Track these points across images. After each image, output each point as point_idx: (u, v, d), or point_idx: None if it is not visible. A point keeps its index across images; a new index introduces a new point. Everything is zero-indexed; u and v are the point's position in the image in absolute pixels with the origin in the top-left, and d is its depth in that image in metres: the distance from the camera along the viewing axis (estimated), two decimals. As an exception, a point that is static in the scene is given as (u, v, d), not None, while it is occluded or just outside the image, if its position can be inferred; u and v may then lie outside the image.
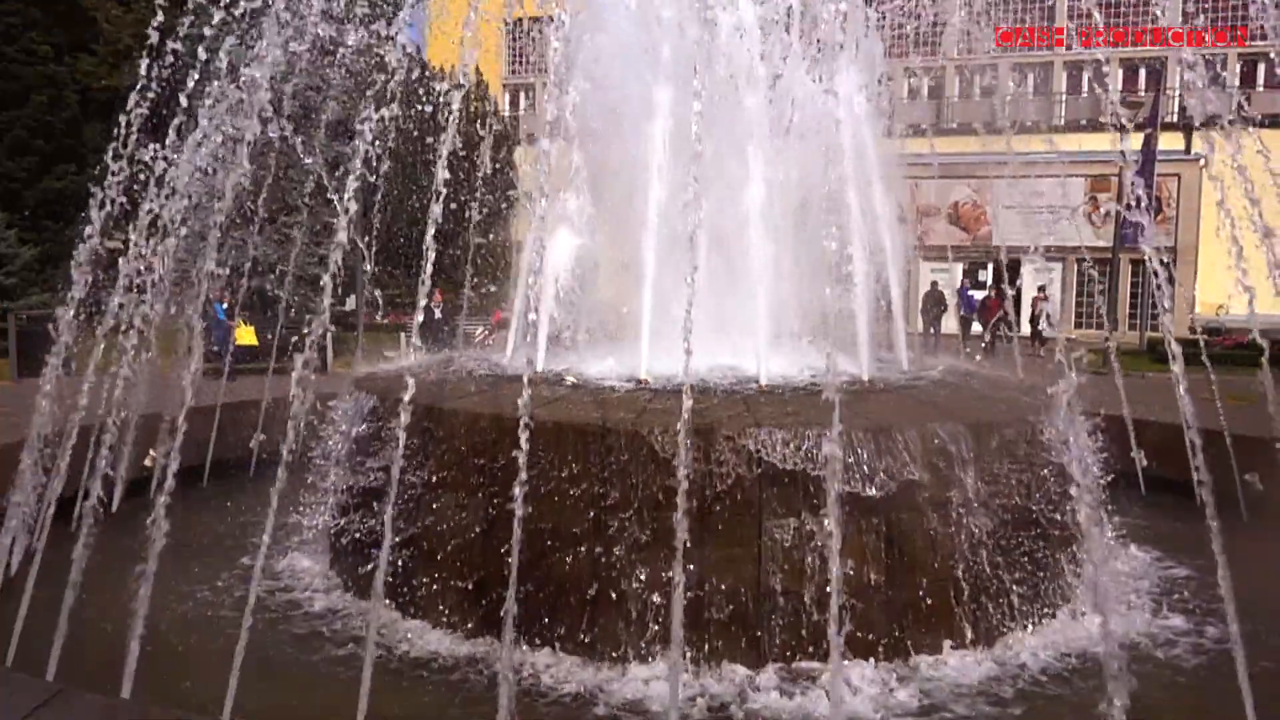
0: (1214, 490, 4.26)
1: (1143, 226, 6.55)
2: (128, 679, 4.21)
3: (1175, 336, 4.92)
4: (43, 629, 4.75)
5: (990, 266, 35.11)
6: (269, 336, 16.16)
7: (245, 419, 9.71)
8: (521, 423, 3.97)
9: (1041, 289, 29.51)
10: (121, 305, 5.97)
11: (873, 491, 5.11)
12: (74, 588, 4.71)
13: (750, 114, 6.79)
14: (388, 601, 5.65)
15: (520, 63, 44.71)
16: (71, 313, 5.92)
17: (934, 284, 29.72)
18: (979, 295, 30.69)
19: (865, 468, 5.12)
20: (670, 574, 4.00)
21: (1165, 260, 5.27)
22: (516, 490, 3.98)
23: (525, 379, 4.13)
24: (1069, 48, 40.63)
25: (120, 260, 5.97)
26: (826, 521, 4.46)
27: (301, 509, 7.09)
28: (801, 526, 5.00)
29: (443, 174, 4.64)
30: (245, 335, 19.08)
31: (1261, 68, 41.65)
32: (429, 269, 4.45)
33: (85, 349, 6.23)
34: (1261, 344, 5.16)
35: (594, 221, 7.41)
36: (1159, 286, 5.35)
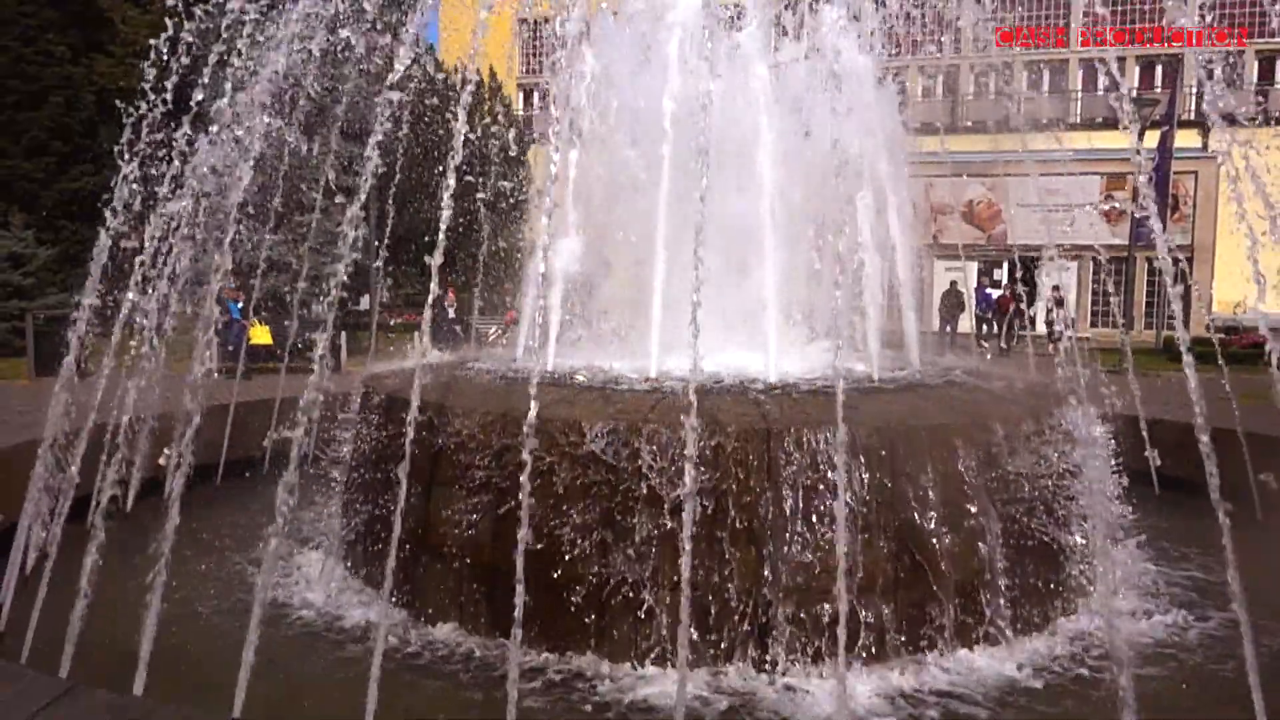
0: (1228, 489, 4.23)
1: (1153, 228, 6.48)
2: (139, 676, 4.25)
3: (1195, 335, 4.88)
4: (57, 627, 4.79)
5: (1005, 265, 35.05)
6: (284, 335, 16.24)
7: (259, 418, 9.76)
8: (529, 422, 3.98)
9: (1056, 288, 29.38)
10: (136, 304, 6.02)
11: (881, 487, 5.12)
12: (87, 586, 4.75)
13: (759, 110, 6.79)
14: (396, 599, 5.68)
15: (535, 61, 44.81)
16: (87, 312, 5.97)
17: (953, 283, 29.67)
18: (996, 294, 30.61)
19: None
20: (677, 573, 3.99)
21: (1178, 259, 5.21)
22: (523, 489, 3.98)
23: (533, 379, 4.15)
24: (1073, 45, 40.54)
25: (136, 259, 6.01)
26: (834, 519, 4.45)
27: (313, 507, 7.12)
28: (808, 524, 4.99)
29: (452, 173, 4.65)
30: (260, 334, 19.20)
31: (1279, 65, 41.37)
32: (437, 267, 4.47)
33: (101, 348, 6.27)
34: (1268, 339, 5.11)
35: (604, 220, 7.40)
36: (1173, 286, 5.30)
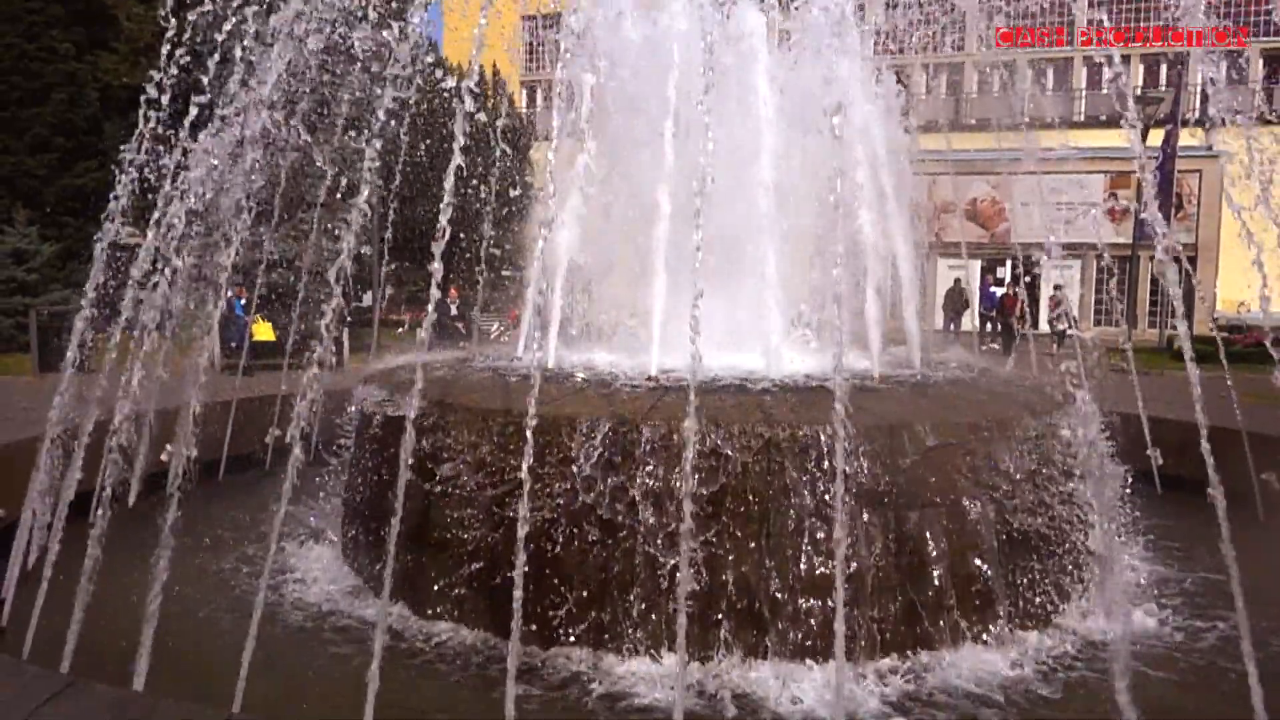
0: (1230, 489, 4.21)
1: (1155, 227, 6.46)
2: (140, 671, 4.26)
3: (1199, 334, 4.86)
4: (58, 623, 4.79)
5: (1009, 263, 35.00)
6: (287, 332, 16.25)
7: (261, 414, 9.77)
8: (529, 419, 3.98)
9: (1058, 287, 29.37)
10: (140, 300, 6.02)
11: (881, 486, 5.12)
12: (89, 581, 4.76)
13: (761, 108, 6.78)
14: (397, 595, 5.68)
15: (538, 59, 44.79)
16: (89, 308, 5.98)
17: (956, 281, 29.69)
18: (1000, 292, 30.59)
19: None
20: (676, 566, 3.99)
21: (1179, 258, 5.20)
22: (523, 484, 3.98)
23: (534, 376, 4.16)
24: (1070, 43, 40.50)
25: (139, 255, 6.01)
26: (834, 515, 4.44)
27: (315, 502, 7.12)
28: (807, 521, 4.99)
29: (453, 170, 4.63)
30: (263, 331, 19.20)
31: (1286, 62, 41.30)
32: (438, 264, 4.46)
33: (103, 344, 6.28)
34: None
35: (606, 217, 7.39)
36: (1176, 286, 5.29)
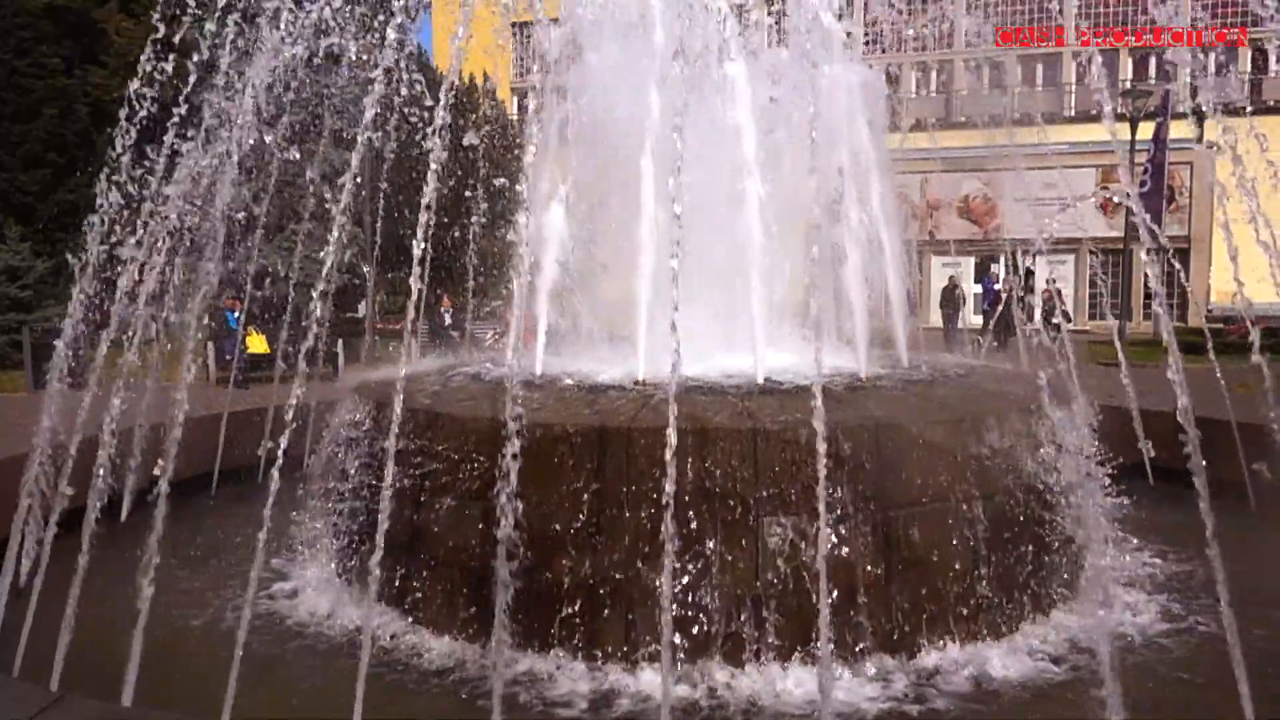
0: (1222, 479, 4.21)
1: (1148, 219, 6.48)
2: (128, 686, 4.25)
3: (1192, 326, 4.89)
4: (48, 638, 4.79)
5: (1002, 259, 35.01)
6: (280, 344, 16.25)
7: (255, 427, 9.76)
8: (511, 426, 3.99)
9: (1050, 281, 29.38)
10: (130, 314, 6.03)
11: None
12: (80, 597, 4.76)
13: (744, 108, 6.77)
14: (385, 605, 5.69)
15: (528, 66, 44.81)
16: (77, 323, 5.99)
17: (951, 278, 29.70)
18: (999, 288, 30.58)
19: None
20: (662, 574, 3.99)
21: (1165, 248, 5.22)
22: (504, 494, 3.99)
23: (515, 381, 4.16)
24: (1069, 39, 40.69)
25: (128, 269, 6.02)
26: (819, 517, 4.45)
27: (305, 514, 7.11)
28: (798, 524, 4.99)
29: (433, 178, 4.65)
30: (257, 343, 19.18)
31: (1273, 54, 41.41)
32: (424, 273, 4.47)
33: (93, 359, 6.28)
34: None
35: (595, 220, 7.39)
36: (1158, 278, 5.31)
